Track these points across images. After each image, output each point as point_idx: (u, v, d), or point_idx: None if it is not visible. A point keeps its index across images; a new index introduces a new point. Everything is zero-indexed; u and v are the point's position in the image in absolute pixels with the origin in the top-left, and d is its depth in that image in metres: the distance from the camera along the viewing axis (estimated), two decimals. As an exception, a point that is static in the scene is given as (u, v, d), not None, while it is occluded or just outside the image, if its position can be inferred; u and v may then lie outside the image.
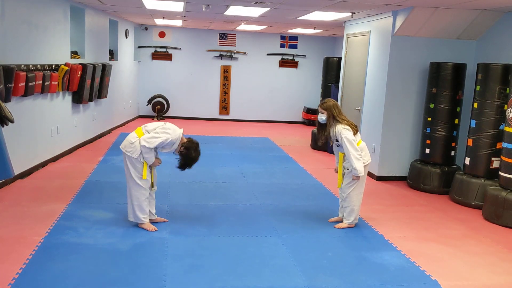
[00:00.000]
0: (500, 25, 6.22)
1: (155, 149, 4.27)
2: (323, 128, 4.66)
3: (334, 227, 4.75)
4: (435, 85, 6.29)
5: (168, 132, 4.19)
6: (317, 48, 12.98)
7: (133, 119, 11.96)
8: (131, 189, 4.32)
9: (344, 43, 8.41)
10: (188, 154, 4.28)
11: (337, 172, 4.80)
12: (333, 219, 4.94)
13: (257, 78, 13.00)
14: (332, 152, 8.72)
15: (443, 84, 6.22)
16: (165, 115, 12.45)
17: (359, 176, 4.53)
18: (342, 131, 4.46)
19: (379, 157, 6.82)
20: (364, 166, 4.60)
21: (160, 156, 4.44)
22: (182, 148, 4.27)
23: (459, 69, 6.23)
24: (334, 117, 4.54)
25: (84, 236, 4.19)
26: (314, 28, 10.32)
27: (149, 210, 4.47)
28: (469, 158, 5.82)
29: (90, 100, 8.10)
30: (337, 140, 4.58)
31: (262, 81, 13.03)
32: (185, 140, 4.31)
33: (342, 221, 4.83)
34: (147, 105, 12.16)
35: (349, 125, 4.52)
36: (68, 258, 3.72)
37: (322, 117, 4.60)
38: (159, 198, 5.07)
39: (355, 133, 4.51)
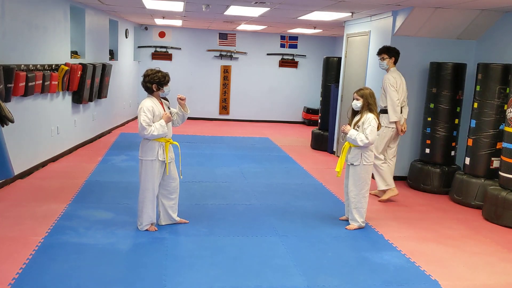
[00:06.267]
0: (500, 25, 6.22)
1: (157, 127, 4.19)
2: (355, 115, 4.71)
3: (345, 228, 4.75)
4: (435, 85, 6.29)
5: (141, 112, 4.15)
6: (317, 48, 12.98)
7: (133, 119, 11.96)
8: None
9: (344, 43, 8.42)
10: (152, 75, 4.24)
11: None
12: (343, 218, 4.99)
13: (257, 78, 13.01)
14: (332, 152, 8.73)
15: (443, 84, 6.22)
16: (165, 115, 12.44)
17: (346, 132, 4.59)
18: (372, 120, 4.52)
19: (379, 157, 6.81)
20: (368, 167, 4.62)
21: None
22: (148, 79, 4.24)
23: (459, 69, 6.23)
24: (369, 105, 4.58)
25: (84, 236, 4.18)
26: (314, 28, 10.32)
27: (168, 214, 4.51)
28: (469, 158, 5.82)
29: (90, 100, 8.10)
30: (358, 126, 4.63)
31: (262, 81, 13.04)
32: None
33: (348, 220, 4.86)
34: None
35: (378, 119, 4.60)
36: (68, 258, 3.72)
37: (357, 104, 4.62)
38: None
39: (378, 129, 4.61)
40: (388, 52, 5.76)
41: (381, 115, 5.61)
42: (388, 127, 5.71)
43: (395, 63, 5.81)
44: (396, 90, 5.63)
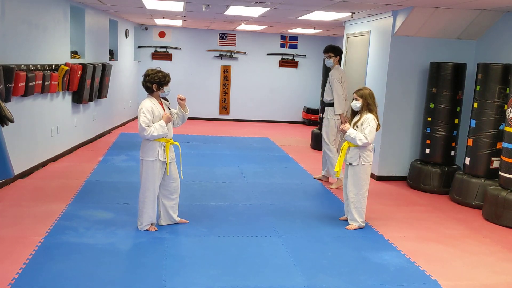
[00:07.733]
0: (500, 25, 6.22)
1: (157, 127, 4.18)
2: (354, 115, 4.71)
3: (345, 228, 4.74)
4: (435, 85, 6.29)
5: (141, 113, 4.15)
6: (317, 48, 12.96)
7: (133, 119, 11.96)
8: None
9: (344, 43, 8.41)
10: (152, 75, 4.24)
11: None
12: (342, 218, 4.98)
13: (257, 78, 13.01)
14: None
15: (443, 84, 6.22)
16: (165, 115, 12.44)
17: (345, 131, 4.58)
18: (371, 120, 4.52)
19: (379, 157, 6.81)
20: (366, 167, 4.61)
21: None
22: (148, 79, 4.24)
23: (459, 69, 6.23)
24: (368, 105, 4.57)
25: (84, 236, 4.18)
26: (314, 28, 10.32)
27: (168, 214, 4.51)
28: (469, 158, 5.82)
29: (90, 100, 8.10)
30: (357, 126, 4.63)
31: (262, 81, 13.04)
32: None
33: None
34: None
35: (377, 119, 4.59)
36: (68, 258, 3.72)
37: (356, 104, 4.61)
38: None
39: (376, 129, 4.59)
40: (335, 51, 6.32)
41: (326, 107, 6.39)
42: (333, 119, 6.28)
43: (339, 61, 6.39)
44: (341, 85, 6.18)
